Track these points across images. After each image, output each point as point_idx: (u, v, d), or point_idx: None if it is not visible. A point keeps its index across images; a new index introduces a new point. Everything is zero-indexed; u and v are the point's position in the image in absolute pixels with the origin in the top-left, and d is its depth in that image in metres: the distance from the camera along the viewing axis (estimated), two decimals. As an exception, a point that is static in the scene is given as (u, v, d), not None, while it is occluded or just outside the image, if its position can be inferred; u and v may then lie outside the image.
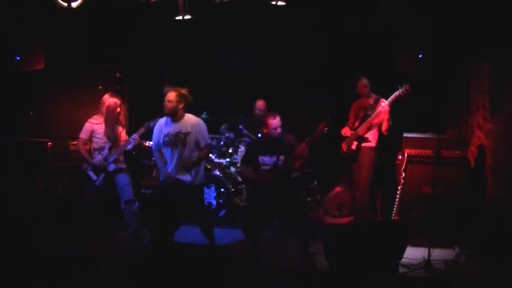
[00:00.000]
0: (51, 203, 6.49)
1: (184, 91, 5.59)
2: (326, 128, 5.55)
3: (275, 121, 5.61)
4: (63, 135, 6.71)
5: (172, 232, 5.79)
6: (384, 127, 6.41)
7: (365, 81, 6.56)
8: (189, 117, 5.67)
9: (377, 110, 6.37)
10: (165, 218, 5.72)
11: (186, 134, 5.60)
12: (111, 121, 6.03)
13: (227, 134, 7.50)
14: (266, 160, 5.69)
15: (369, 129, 6.49)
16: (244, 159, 6.03)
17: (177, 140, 5.60)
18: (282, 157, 5.63)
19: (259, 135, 6.70)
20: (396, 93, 6.24)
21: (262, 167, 5.70)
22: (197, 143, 5.65)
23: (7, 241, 5.71)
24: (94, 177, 6.05)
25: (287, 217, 5.88)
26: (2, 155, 6.41)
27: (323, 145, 6.24)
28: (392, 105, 6.30)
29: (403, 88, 6.19)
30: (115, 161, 6.05)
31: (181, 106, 5.57)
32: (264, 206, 5.71)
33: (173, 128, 5.64)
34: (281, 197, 5.64)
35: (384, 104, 6.30)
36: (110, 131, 6.04)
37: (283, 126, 5.70)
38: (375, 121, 6.44)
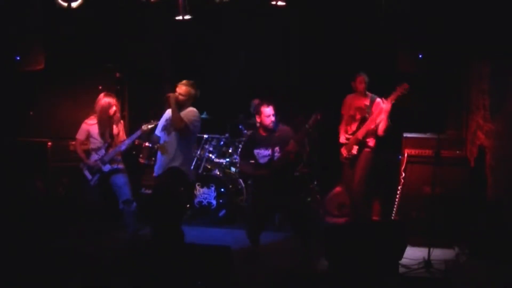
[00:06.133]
0: (51, 203, 6.49)
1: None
2: (318, 119, 5.48)
3: (268, 109, 5.62)
4: (63, 135, 6.70)
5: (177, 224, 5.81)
6: (382, 128, 6.21)
7: (364, 77, 6.37)
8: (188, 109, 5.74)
9: (377, 111, 6.25)
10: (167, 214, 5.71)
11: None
12: (104, 121, 6.00)
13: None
14: (261, 152, 5.70)
15: (368, 132, 6.34)
16: (241, 154, 6.09)
17: (167, 127, 5.74)
18: (277, 149, 5.63)
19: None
20: (396, 92, 6.17)
21: (260, 160, 5.71)
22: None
23: (7, 241, 5.71)
24: (89, 176, 6.04)
25: (288, 215, 5.87)
26: (2, 155, 6.40)
27: (323, 146, 6.25)
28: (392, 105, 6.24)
29: (401, 86, 6.08)
30: (111, 162, 6.03)
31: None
32: (262, 203, 5.71)
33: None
34: (281, 194, 5.63)
35: (385, 104, 6.12)
36: (104, 131, 6.00)
37: (280, 120, 5.71)
38: (373, 125, 6.27)
